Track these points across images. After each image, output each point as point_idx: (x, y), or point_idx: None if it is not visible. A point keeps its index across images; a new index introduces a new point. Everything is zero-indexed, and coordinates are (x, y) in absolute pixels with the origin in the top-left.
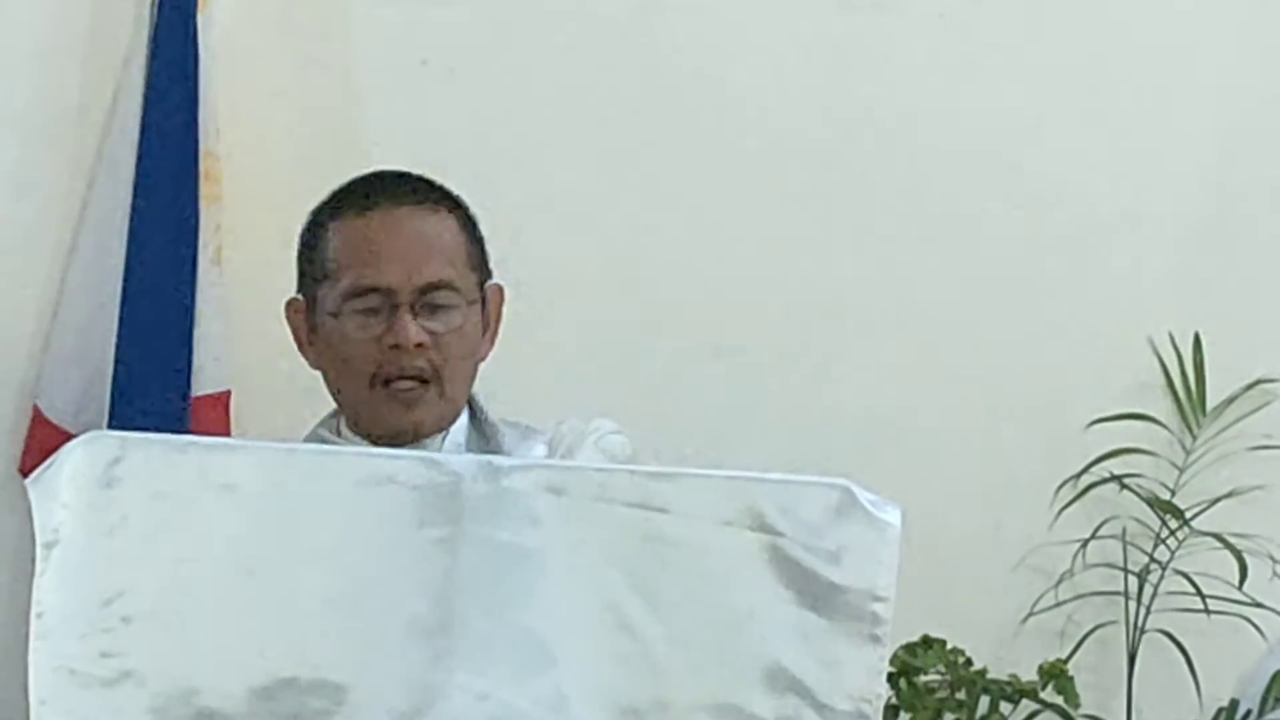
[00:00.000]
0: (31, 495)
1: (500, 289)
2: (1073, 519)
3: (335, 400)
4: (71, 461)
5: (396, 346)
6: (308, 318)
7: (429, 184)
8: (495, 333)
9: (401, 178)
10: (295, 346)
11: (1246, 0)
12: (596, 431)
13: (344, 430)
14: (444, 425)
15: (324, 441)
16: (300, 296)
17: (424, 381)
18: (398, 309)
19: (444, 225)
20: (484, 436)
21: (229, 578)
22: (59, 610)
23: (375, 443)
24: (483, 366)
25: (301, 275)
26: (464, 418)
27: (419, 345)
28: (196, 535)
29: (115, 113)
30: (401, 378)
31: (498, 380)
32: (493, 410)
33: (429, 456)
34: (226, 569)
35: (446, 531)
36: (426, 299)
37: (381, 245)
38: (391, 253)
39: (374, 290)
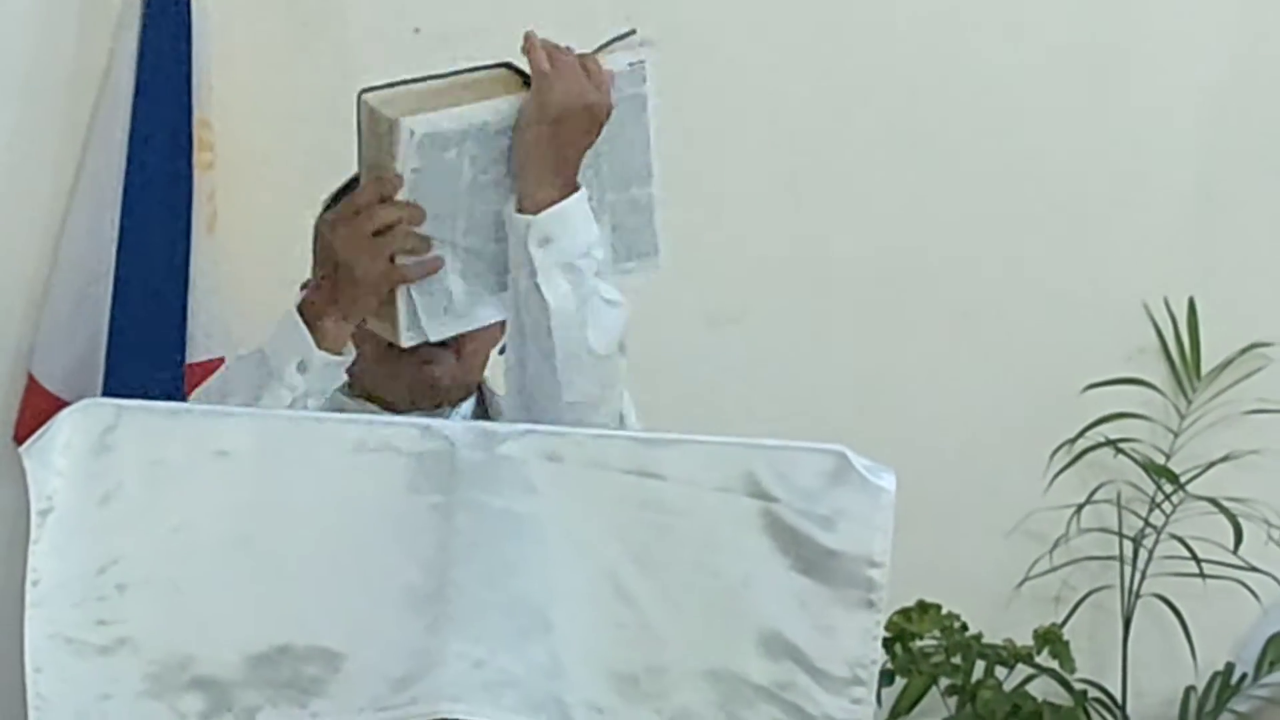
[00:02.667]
0: (26, 463)
1: None
2: (1068, 484)
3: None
4: (66, 429)
5: None
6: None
7: None
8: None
9: None
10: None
11: None
12: None
13: (347, 401)
14: (459, 392)
15: (337, 402)
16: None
17: (443, 345)
18: None
19: None
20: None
21: (224, 545)
22: (54, 578)
23: (390, 409)
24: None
25: (317, 251)
26: (472, 400)
27: None
28: (191, 502)
29: (109, 81)
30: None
31: None
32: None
33: (424, 423)
34: (221, 536)
35: (442, 498)
36: None
37: None
38: None
39: None
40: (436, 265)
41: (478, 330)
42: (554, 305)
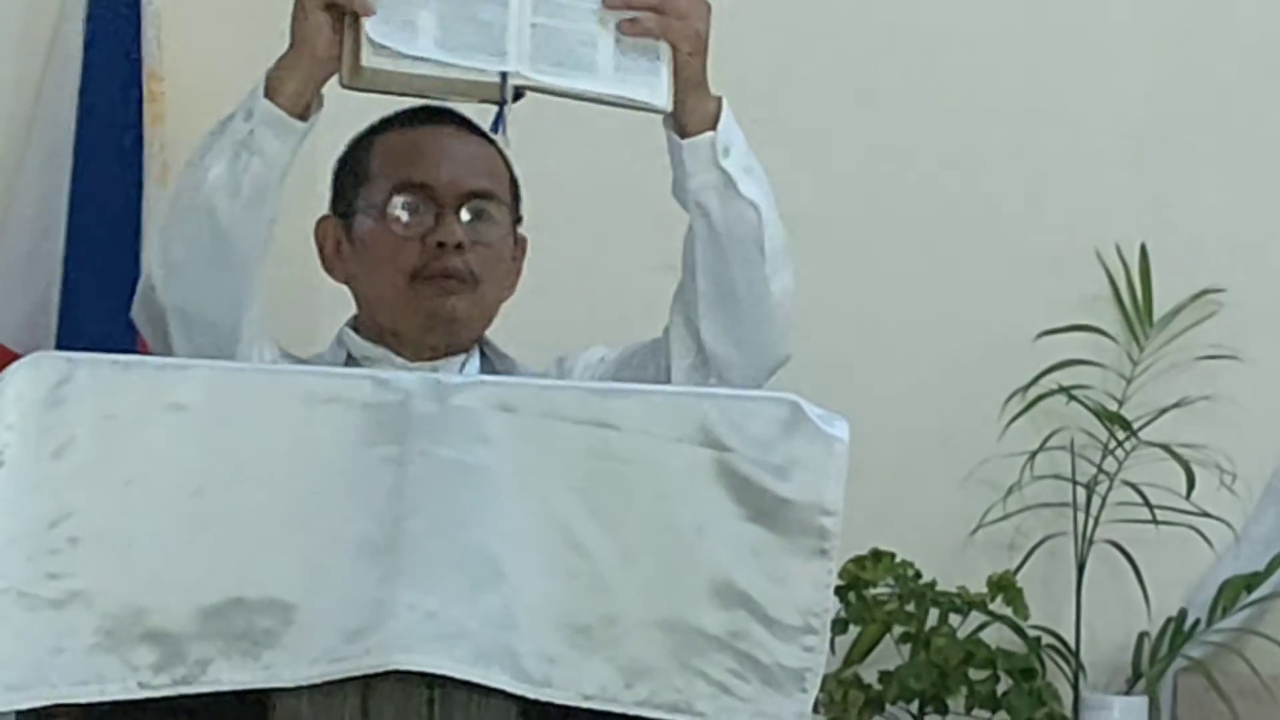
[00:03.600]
0: None
1: (525, 239)
2: (1021, 431)
3: (364, 307)
4: (16, 383)
5: (442, 245)
6: (339, 231)
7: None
8: (516, 281)
9: (449, 113)
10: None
11: None
12: (602, 362)
13: (357, 339)
14: (472, 330)
15: (340, 346)
16: (331, 215)
17: (462, 280)
18: (442, 210)
19: (490, 150)
20: (499, 374)
21: (176, 498)
22: (6, 532)
23: (400, 347)
24: None
25: (336, 192)
26: (476, 357)
27: (459, 246)
28: (144, 455)
29: (58, 35)
30: (442, 275)
31: None
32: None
33: (377, 375)
34: (174, 489)
35: (395, 450)
36: (470, 205)
37: (430, 148)
38: (440, 155)
39: (420, 187)
40: None
41: (492, 265)
42: (762, 205)
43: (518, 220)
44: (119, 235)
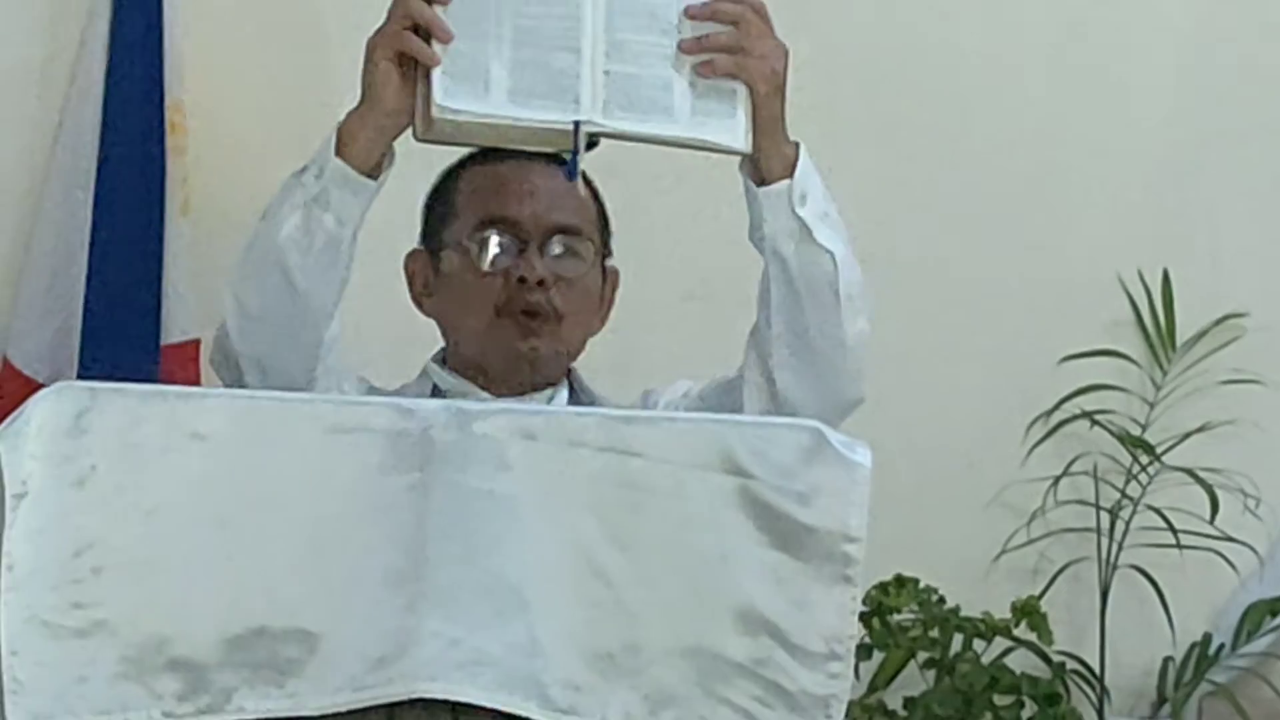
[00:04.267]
0: (0, 447)
1: (617, 272)
2: (1044, 456)
3: (450, 342)
4: (40, 412)
5: (523, 280)
6: (427, 267)
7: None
8: (607, 314)
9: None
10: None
11: None
12: (685, 396)
13: (443, 373)
14: (554, 368)
15: (426, 378)
16: (421, 248)
17: (545, 319)
18: (526, 246)
19: (575, 187)
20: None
21: (200, 527)
22: (29, 562)
23: (486, 383)
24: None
25: (426, 226)
26: (564, 391)
27: (541, 283)
28: (167, 485)
29: (80, 64)
30: (525, 312)
31: None
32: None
33: (399, 403)
34: (197, 518)
35: (417, 478)
36: (555, 241)
37: (516, 184)
38: (525, 191)
39: (505, 222)
40: (446, 37)
41: (577, 301)
42: (837, 252)
43: (607, 254)
44: (141, 266)
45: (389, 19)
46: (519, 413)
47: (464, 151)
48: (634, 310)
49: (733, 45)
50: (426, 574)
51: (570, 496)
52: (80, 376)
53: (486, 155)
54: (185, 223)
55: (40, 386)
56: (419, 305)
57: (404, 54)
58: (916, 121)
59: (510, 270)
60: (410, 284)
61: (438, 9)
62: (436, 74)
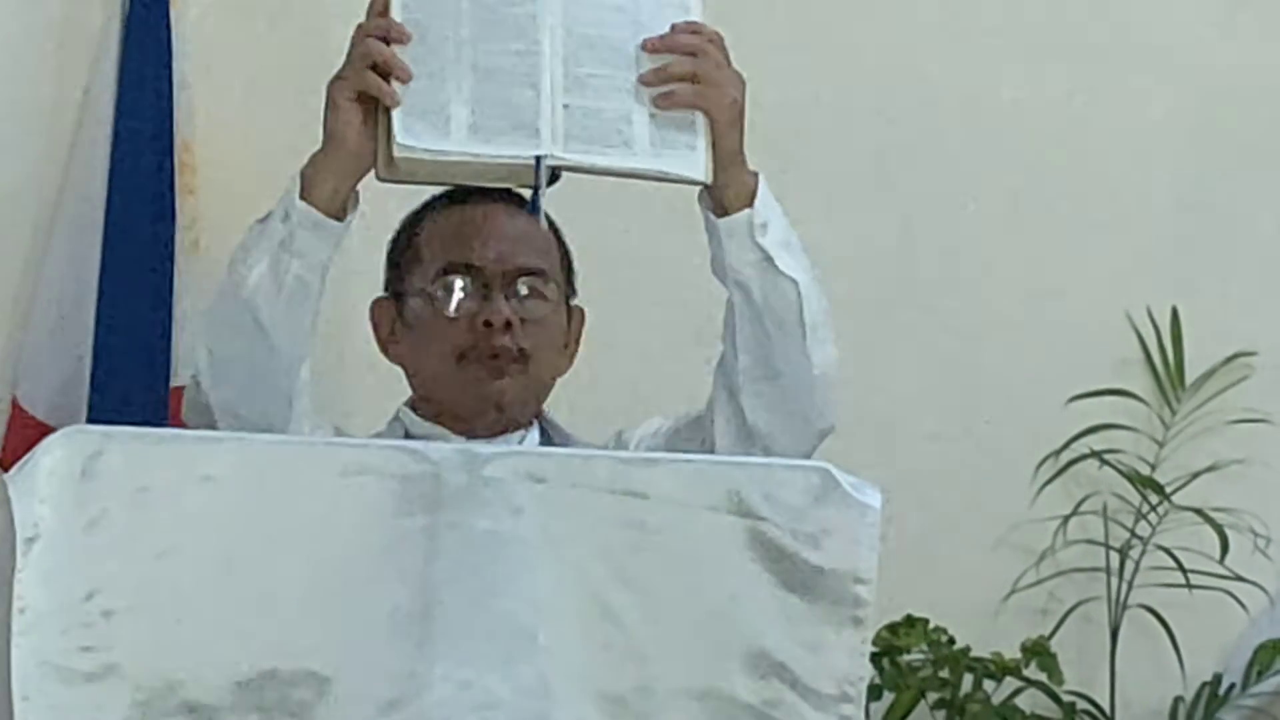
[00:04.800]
0: (11, 491)
1: (583, 312)
2: (1053, 496)
3: (418, 388)
4: (51, 456)
5: (489, 324)
6: (392, 313)
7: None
8: (574, 353)
9: (498, 191)
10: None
11: None
12: (656, 434)
13: (415, 418)
14: (523, 412)
15: (398, 423)
16: (386, 295)
17: (512, 360)
18: (489, 289)
19: (538, 227)
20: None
21: (210, 570)
22: (40, 605)
23: (456, 427)
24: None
25: (391, 272)
26: (535, 432)
27: (507, 325)
28: (177, 528)
29: (90, 104)
30: (492, 355)
31: None
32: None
33: (409, 446)
34: (208, 561)
35: (427, 520)
36: (518, 284)
37: (477, 227)
38: (487, 234)
39: (468, 268)
40: (405, 75)
41: (543, 342)
42: (801, 280)
43: (571, 294)
44: (150, 307)
45: (348, 60)
46: (529, 456)
47: (427, 194)
48: (644, 351)
49: (692, 75)
50: (436, 616)
51: (580, 539)
52: (90, 418)
53: (448, 200)
54: (195, 263)
55: (50, 429)
56: (385, 352)
57: (365, 94)
58: (927, 159)
59: (476, 314)
60: (376, 331)
61: (396, 48)
62: (397, 113)
